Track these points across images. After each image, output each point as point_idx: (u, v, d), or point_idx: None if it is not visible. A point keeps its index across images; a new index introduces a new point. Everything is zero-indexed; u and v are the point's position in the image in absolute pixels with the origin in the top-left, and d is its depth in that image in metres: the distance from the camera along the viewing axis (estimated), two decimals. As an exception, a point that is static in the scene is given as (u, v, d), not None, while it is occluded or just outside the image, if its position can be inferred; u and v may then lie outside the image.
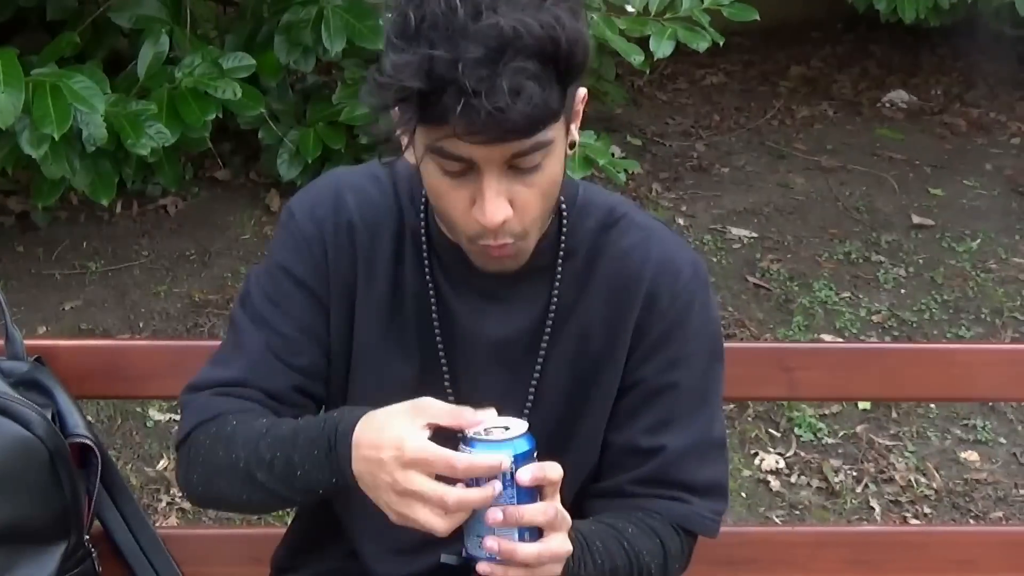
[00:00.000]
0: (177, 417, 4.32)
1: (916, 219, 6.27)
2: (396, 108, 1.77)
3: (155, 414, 4.41)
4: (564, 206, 2.06)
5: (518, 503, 1.75)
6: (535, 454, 1.78)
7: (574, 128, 1.93)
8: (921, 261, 5.86)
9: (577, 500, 2.10)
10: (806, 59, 8.58)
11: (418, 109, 1.74)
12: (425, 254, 2.03)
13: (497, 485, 1.74)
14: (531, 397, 2.07)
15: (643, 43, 5.37)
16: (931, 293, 5.57)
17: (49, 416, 2.25)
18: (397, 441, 1.74)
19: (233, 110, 5.13)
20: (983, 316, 5.40)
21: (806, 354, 2.69)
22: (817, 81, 8.27)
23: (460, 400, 2.01)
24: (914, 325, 5.29)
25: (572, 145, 1.93)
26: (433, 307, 2.04)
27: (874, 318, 5.32)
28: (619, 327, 2.06)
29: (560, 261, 2.05)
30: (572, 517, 1.84)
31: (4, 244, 5.51)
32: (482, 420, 1.78)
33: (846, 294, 5.51)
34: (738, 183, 6.57)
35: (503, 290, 2.03)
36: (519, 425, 1.79)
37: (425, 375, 2.04)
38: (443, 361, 2.06)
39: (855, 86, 8.21)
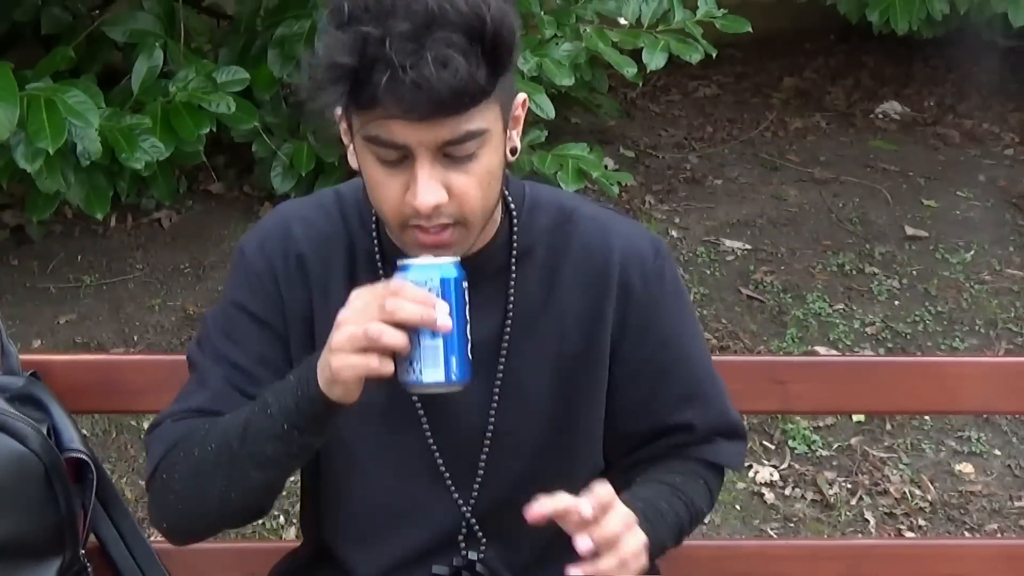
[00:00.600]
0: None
1: (910, 231, 6.27)
2: (331, 96, 1.79)
3: (150, 427, 4.41)
4: (513, 206, 2.08)
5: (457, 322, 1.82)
6: (463, 282, 1.84)
7: (514, 133, 1.96)
8: (915, 273, 5.86)
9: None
10: (799, 70, 8.58)
11: (350, 91, 1.77)
12: (381, 272, 2.04)
13: (438, 301, 1.80)
14: (495, 398, 2.09)
15: (636, 55, 5.39)
16: (925, 305, 5.57)
17: (44, 431, 2.25)
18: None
19: (227, 124, 5.14)
20: (977, 328, 5.40)
21: (799, 367, 2.70)
22: (810, 93, 8.28)
23: (430, 412, 2.06)
24: (908, 337, 5.29)
25: (514, 152, 1.96)
26: None
27: (868, 330, 5.32)
28: (596, 321, 2.10)
29: (514, 261, 2.07)
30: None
31: (-1, 258, 5.52)
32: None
33: (840, 306, 5.51)
34: (731, 195, 6.57)
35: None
36: (449, 258, 1.85)
37: (394, 392, 1.99)
38: None
39: (848, 97, 8.22)
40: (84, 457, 2.29)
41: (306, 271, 2.05)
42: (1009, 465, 4.53)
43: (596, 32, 5.34)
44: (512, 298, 2.07)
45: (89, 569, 2.33)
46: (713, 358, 2.33)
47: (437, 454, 2.10)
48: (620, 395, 2.16)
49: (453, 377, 1.82)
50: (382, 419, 2.07)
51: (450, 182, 1.85)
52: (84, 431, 4.21)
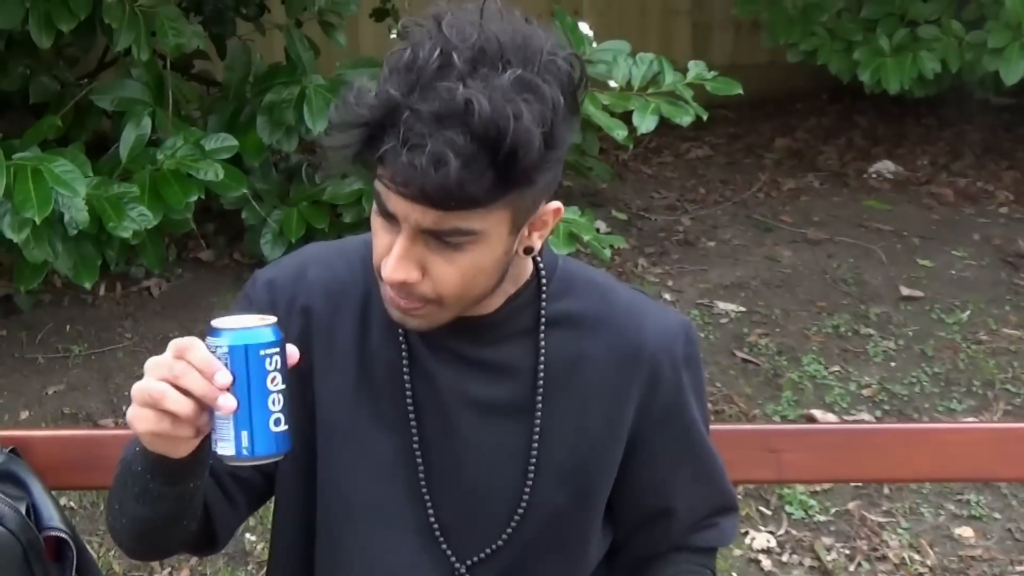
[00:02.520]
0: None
1: (905, 291, 6.26)
2: (342, 139, 1.77)
3: (138, 500, 4.36)
4: (544, 272, 2.05)
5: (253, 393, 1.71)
6: (275, 347, 1.72)
7: (536, 236, 1.92)
8: (911, 333, 5.84)
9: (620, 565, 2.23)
10: (791, 131, 8.61)
11: (361, 143, 1.75)
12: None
13: (220, 372, 1.69)
14: (532, 462, 2.05)
15: (627, 117, 5.38)
16: (921, 366, 5.54)
17: (23, 509, 2.21)
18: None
19: (216, 191, 5.13)
20: (975, 388, 5.36)
21: (793, 436, 2.66)
22: (803, 153, 8.30)
23: (432, 466, 2.03)
24: (905, 399, 5.26)
25: (528, 251, 1.93)
26: (405, 374, 2.01)
27: (864, 392, 5.29)
28: (622, 401, 2.06)
29: (543, 327, 2.04)
30: None
31: (-14, 329, 5.49)
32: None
33: (835, 368, 5.48)
34: (724, 257, 6.56)
35: (485, 353, 2.02)
36: (268, 318, 1.75)
37: (402, 444, 2.02)
38: (413, 429, 2.03)
39: (841, 157, 8.24)
40: (64, 535, 2.25)
41: (309, 323, 2.02)
42: (1009, 529, 4.49)
43: (586, 95, 5.34)
44: (542, 364, 2.04)
45: (69, 649, 2.30)
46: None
47: (432, 518, 2.07)
48: (634, 475, 2.13)
49: (244, 452, 1.72)
50: (387, 477, 2.05)
51: (428, 264, 1.82)
52: (71, 504, 4.24)
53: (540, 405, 2.04)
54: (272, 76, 5.76)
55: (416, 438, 2.03)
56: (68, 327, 5.51)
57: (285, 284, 2.05)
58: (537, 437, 2.04)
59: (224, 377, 1.69)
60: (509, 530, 2.07)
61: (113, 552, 4.14)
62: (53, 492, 2.33)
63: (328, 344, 2.03)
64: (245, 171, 5.43)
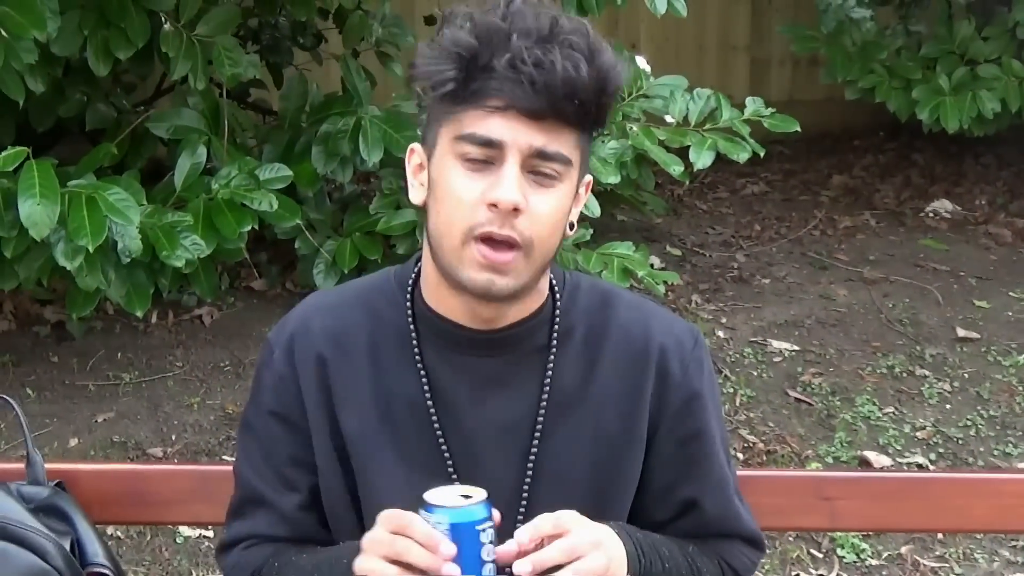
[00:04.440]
0: (207, 534, 4.31)
1: (961, 332, 6.20)
2: (443, 75, 1.87)
3: (185, 530, 4.36)
4: (556, 287, 2.11)
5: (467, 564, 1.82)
6: (488, 521, 1.84)
7: (575, 210, 2.03)
8: (966, 375, 5.79)
9: None
10: (848, 168, 8.58)
11: (462, 76, 1.85)
12: (417, 349, 2.05)
13: (444, 543, 1.81)
14: (528, 479, 2.08)
15: (683, 153, 5.36)
16: (977, 408, 5.49)
17: (68, 545, 2.20)
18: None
19: (269, 221, 5.13)
20: (1031, 433, 5.31)
21: (847, 483, 2.63)
22: (859, 191, 8.26)
23: (465, 482, 2.03)
24: (960, 442, 5.21)
25: (571, 227, 2.03)
26: (429, 402, 2.05)
27: (919, 434, 5.24)
28: (635, 404, 2.11)
29: (555, 340, 2.08)
30: None
31: (39, 354, 5.50)
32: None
33: (890, 409, 5.43)
34: (779, 294, 6.52)
35: (506, 373, 2.06)
36: (478, 493, 1.85)
37: (431, 471, 2.04)
38: (446, 454, 2.06)
39: (898, 196, 8.20)
40: (109, 572, 2.24)
41: (324, 370, 2.08)
42: (1066, 576, 4.44)
43: (643, 130, 5.32)
44: (549, 379, 2.08)
45: None
46: (754, 473, 2.30)
47: None
48: (649, 479, 2.16)
49: None
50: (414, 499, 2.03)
51: (528, 198, 1.90)
52: (119, 534, 4.23)
53: (541, 421, 2.07)
54: (328, 106, 5.76)
55: (450, 465, 2.07)
56: (119, 355, 5.52)
57: (299, 342, 2.10)
58: (535, 452, 2.08)
59: (449, 548, 1.80)
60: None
61: (159, 583, 4.16)
62: (98, 525, 2.32)
63: (343, 388, 2.07)
64: (299, 200, 5.43)
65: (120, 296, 4.84)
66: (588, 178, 2.05)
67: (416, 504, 1.86)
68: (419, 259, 2.10)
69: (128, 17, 4.93)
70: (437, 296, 2.04)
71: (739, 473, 2.29)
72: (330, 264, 5.66)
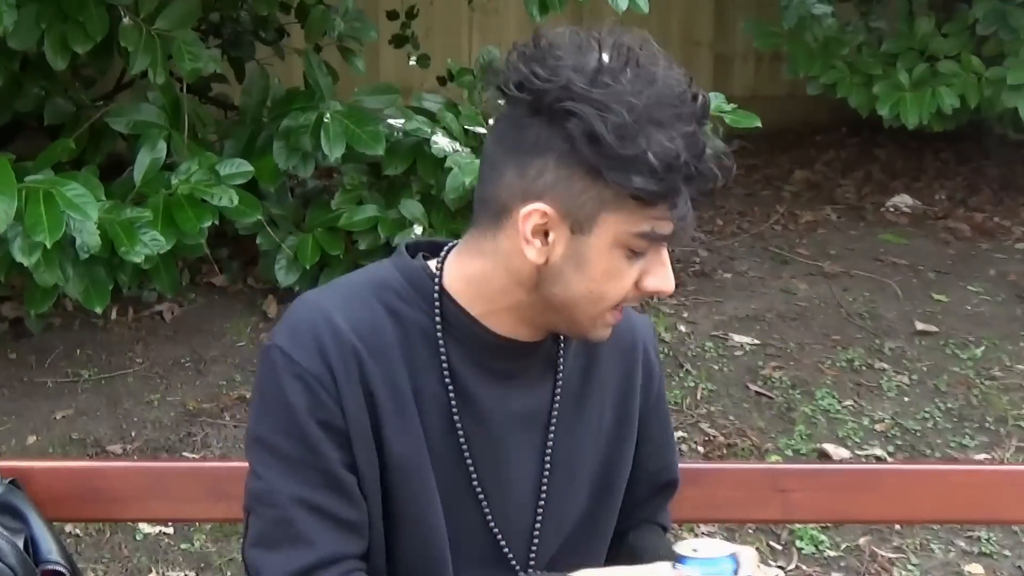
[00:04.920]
0: (167, 530, 4.30)
1: (920, 326, 6.24)
2: (665, 187, 1.85)
3: (144, 527, 4.35)
4: None
5: None
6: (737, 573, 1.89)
7: None
8: (925, 368, 5.82)
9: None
10: (810, 163, 8.61)
11: (673, 189, 1.85)
12: (443, 349, 2.02)
13: None
14: (547, 469, 2.11)
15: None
16: (935, 401, 5.52)
17: (21, 543, 2.19)
18: None
19: (230, 217, 5.12)
20: (987, 425, 5.34)
21: (802, 476, 2.65)
22: (821, 186, 8.30)
23: (486, 482, 2.06)
24: (918, 434, 5.23)
25: None
26: (452, 398, 2.02)
27: (877, 427, 5.27)
28: (628, 395, 2.19)
29: (562, 342, 2.11)
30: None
31: (-4, 351, 5.48)
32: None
33: (849, 402, 5.46)
34: (740, 289, 6.55)
35: (519, 369, 2.06)
36: (723, 547, 1.90)
37: (458, 474, 2.04)
38: (466, 456, 2.05)
39: (859, 191, 8.24)
40: (63, 570, 2.23)
41: (361, 362, 1.97)
42: (1020, 566, 4.45)
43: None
44: (560, 374, 2.10)
45: None
46: (714, 466, 2.35)
47: (496, 530, 2.10)
48: (644, 456, 2.25)
49: None
50: (443, 501, 2.05)
51: None
52: (77, 531, 4.22)
53: (556, 414, 2.10)
54: (290, 101, 5.76)
55: (471, 466, 2.05)
56: (78, 351, 5.50)
57: (328, 341, 1.97)
58: (551, 443, 2.10)
59: None
60: (536, 531, 2.13)
61: (116, 581, 4.15)
62: (55, 523, 2.31)
63: (380, 383, 1.99)
64: (261, 196, 5.43)
65: (79, 292, 4.83)
66: None
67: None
68: (441, 262, 2.05)
69: (87, 11, 4.89)
70: (487, 311, 2.01)
71: (697, 466, 2.33)
72: (292, 260, 5.67)
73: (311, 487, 1.95)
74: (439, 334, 2.02)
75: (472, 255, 2.00)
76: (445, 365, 2.02)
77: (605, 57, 1.85)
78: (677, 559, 1.87)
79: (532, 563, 2.13)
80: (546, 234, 1.89)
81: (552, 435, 2.10)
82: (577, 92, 1.81)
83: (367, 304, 2.02)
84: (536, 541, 2.12)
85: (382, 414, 1.98)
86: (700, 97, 1.86)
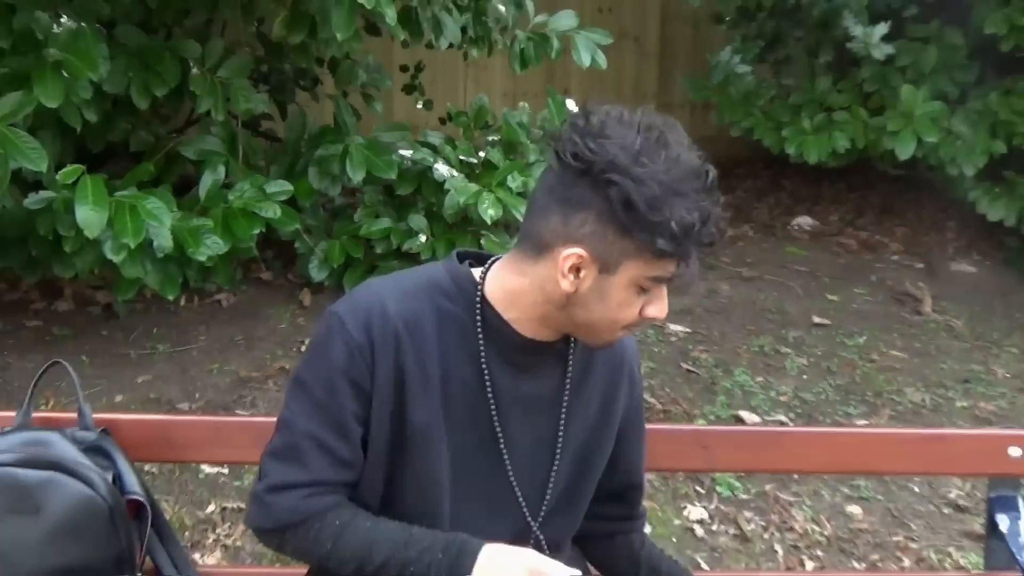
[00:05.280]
0: (223, 471, 4.30)
1: (816, 319, 6.25)
2: (678, 248, 1.84)
3: (206, 468, 4.35)
4: None
5: None
6: None
7: None
8: (819, 353, 5.83)
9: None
10: (732, 190, 8.60)
11: (687, 251, 1.85)
12: (481, 344, 2.01)
13: None
14: (558, 453, 2.13)
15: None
16: (827, 379, 5.53)
17: (110, 478, 2.21)
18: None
19: (275, 226, 5.12)
20: (867, 398, 5.35)
21: (722, 435, 2.66)
22: (741, 207, 8.29)
23: (512, 453, 2.08)
24: (813, 404, 5.25)
25: None
26: (488, 384, 2.02)
27: (782, 399, 5.28)
28: (612, 399, 2.18)
29: (572, 342, 2.10)
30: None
31: (92, 329, 5.47)
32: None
33: (760, 379, 5.47)
34: (676, 288, 6.52)
35: (533, 363, 2.06)
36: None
37: (483, 441, 2.05)
38: (497, 428, 2.06)
39: (770, 212, 8.23)
40: (141, 499, 2.25)
41: (400, 350, 1.96)
42: (889, 508, 4.47)
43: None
44: (571, 367, 2.10)
45: (145, 588, 2.29)
46: (652, 427, 2.35)
47: (517, 489, 2.12)
48: (618, 458, 2.24)
49: None
50: (474, 462, 2.07)
51: None
52: (153, 470, 4.22)
53: (566, 403, 2.11)
54: (322, 135, 5.75)
55: (500, 433, 2.06)
56: (155, 330, 5.49)
57: (375, 320, 1.97)
58: (563, 422, 2.11)
59: None
60: (548, 492, 2.14)
61: (185, 510, 4.13)
62: (135, 463, 2.33)
63: (414, 369, 1.98)
64: (299, 210, 5.43)
65: (156, 283, 4.82)
66: None
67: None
68: (484, 273, 2.04)
69: (164, 63, 4.90)
70: (518, 317, 2.00)
71: (639, 427, 2.32)
72: (322, 260, 5.69)
73: (323, 428, 1.97)
74: (479, 331, 2.01)
75: (513, 272, 1.98)
76: (483, 356, 2.01)
77: (640, 140, 1.83)
78: None
79: (543, 514, 2.15)
80: (578, 271, 1.88)
81: (564, 414, 2.11)
82: (620, 167, 1.80)
83: (417, 298, 2.01)
84: (548, 496, 2.14)
85: (409, 387, 1.97)
86: (710, 173, 1.85)
